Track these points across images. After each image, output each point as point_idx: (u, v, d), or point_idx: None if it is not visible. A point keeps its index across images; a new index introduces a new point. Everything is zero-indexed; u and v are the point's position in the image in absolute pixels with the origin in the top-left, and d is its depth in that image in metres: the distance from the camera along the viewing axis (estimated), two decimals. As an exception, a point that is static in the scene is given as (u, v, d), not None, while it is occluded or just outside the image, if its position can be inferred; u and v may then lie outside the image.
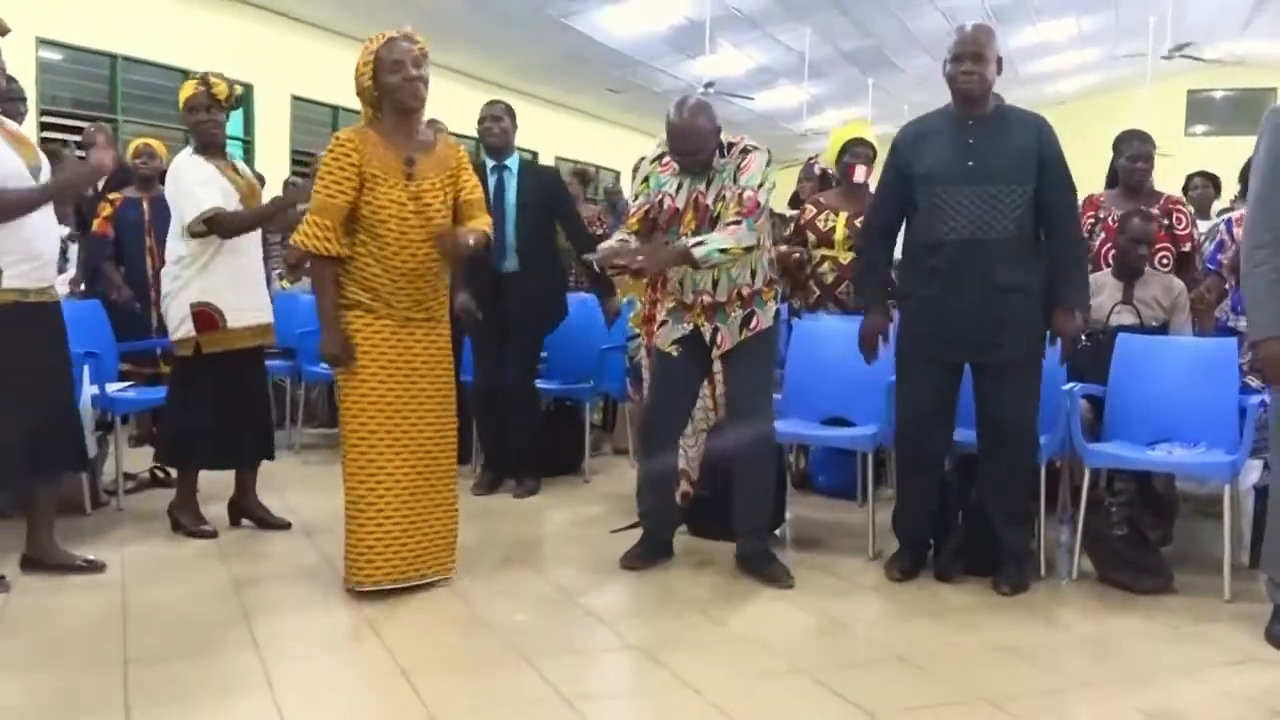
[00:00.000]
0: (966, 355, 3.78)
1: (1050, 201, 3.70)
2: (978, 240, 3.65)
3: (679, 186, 3.82)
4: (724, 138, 3.79)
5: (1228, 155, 9.38)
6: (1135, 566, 3.82)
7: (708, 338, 3.88)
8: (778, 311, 3.97)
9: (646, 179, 3.90)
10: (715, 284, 3.82)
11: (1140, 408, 4.14)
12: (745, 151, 3.77)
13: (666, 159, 3.86)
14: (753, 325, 3.86)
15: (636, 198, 3.92)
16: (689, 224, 3.79)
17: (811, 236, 5.16)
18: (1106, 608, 3.69)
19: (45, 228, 3.62)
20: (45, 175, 3.64)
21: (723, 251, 3.61)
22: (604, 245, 3.85)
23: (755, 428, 3.88)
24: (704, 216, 3.78)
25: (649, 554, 4.03)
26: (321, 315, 3.52)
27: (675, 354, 3.93)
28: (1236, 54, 20.92)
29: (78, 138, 9.51)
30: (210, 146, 4.21)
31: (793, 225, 5.33)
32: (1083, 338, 4.45)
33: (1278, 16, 18.51)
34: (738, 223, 3.65)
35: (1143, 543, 3.87)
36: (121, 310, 5.49)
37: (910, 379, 3.87)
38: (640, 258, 3.66)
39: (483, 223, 3.69)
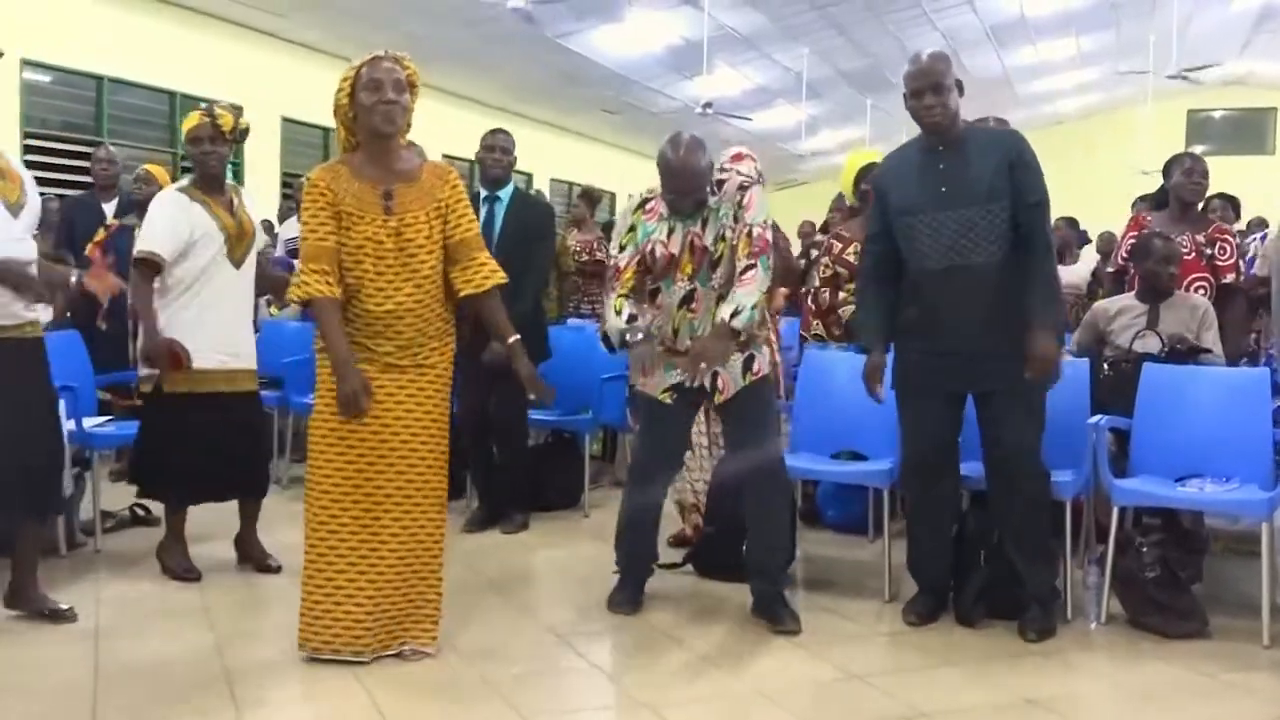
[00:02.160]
0: (964, 385, 3.63)
1: (1019, 218, 3.51)
2: (959, 267, 3.52)
3: (670, 231, 3.64)
4: (715, 171, 3.65)
5: (1228, 175, 9.28)
6: (1168, 610, 3.63)
7: (707, 383, 3.65)
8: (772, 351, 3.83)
9: (632, 228, 3.70)
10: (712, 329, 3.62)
11: (1168, 441, 3.95)
12: (744, 188, 3.61)
13: (651, 204, 3.69)
14: (755, 369, 3.67)
15: (622, 249, 3.70)
16: (685, 268, 3.63)
17: (844, 271, 4.96)
18: (1139, 654, 3.49)
19: None
20: (29, 212, 3.43)
21: (754, 308, 3.48)
22: (627, 339, 3.59)
23: (768, 472, 3.69)
24: (702, 259, 3.61)
25: (636, 594, 3.86)
26: (335, 361, 3.15)
27: (670, 401, 3.71)
28: (1236, 74, 20.90)
29: (62, 160, 9.41)
30: (209, 179, 4.05)
31: (823, 261, 5.12)
32: (1105, 367, 4.27)
33: (1276, 37, 18.46)
34: (753, 266, 3.50)
35: (1175, 584, 3.67)
36: (105, 339, 5.32)
37: (911, 415, 3.72)
38: (696, 367, 3.49)
39: (486, 267, 3.35)
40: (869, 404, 3.91)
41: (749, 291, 3.49)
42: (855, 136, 21.20)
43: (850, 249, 4.97)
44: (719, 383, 3.65)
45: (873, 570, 4.20)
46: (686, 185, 3.55)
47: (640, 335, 3.58)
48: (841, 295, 4.97)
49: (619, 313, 3.63)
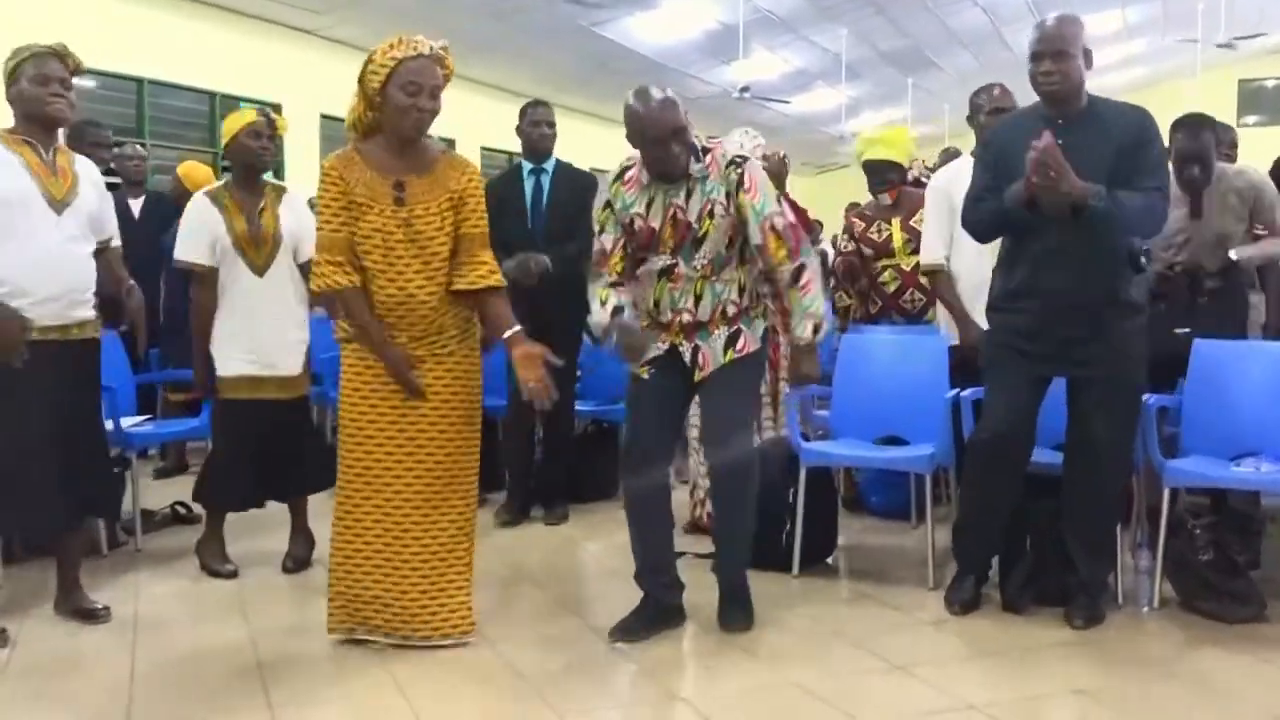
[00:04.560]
0: (1056, 369, 3.49)
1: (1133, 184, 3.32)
2: (1069, 249, 3.35)
3: (649, 203, 3.36)
4: (697, 140, 3.35)
5: (1282, 145, 9.00)
6: (1223, 594, 3.51)
7: (687, 358, 3.41)
8: (766, 330, 3.54)
9: (609, 204, 3.43)
10: (698, 300, 3.38)
11: (1221, 419, 3.81)
12: (735, 164, 3.32)
13: (629, 175, 3.40)
14: (740, 346, 3.40)
15: (602, 231, 3.45)
16: (667, 243, 3.35)
17: (868, 250, 4.87)
18: (1193, 641, 3.38)
19: (50, 265, 3.40)
20: (77, 211, 3.47)
21: (819, 308, 3.36)
22: (612, 331, 3.38)
23: (733, 462, 3.39)
24: (685, 234, 3.32)
25: (647, 622, 3.43)
26: (375, 345, 3.21)
27: (647, 376, 3.43)
28: (1288, 41, 20.36)
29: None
30: (254, 177, 4.07)
31: (847, 237, 5.05)
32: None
33: (1330, 1, 17.96)
34: (802, 266, 3.32)
35: (1231, 568, 3.55)
36: (170, 335, 5.40)
37: (997, 389, 3.57)
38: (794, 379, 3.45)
39: (484, 266, 3.27)
40: (910, 388, 3.85)
41: (814, 295, 3.34)
42: (897, 117, 20.92)
43: (872, 228, 4.88)
44: (700, 358, 3.41)
45: (916, 557, 4.12)
46: (659, 132, 3.22)
47: (629, 324, 3.37)
48: (879, 267, 4.88)
49: (604, 303, 3.41)
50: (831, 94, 18.49)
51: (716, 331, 3.41)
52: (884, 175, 4.91)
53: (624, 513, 3.50)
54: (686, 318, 3.40)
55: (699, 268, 3.37)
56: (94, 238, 3.58)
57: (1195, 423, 3.86)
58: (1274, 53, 20.86)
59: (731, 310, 3.41)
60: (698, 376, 3.43)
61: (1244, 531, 3.82)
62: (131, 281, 3.76)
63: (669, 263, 3.37)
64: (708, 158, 3.35)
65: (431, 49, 3.20)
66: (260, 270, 4.01)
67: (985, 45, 17.33)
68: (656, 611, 3.46)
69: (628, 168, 3.42)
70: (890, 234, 4.83)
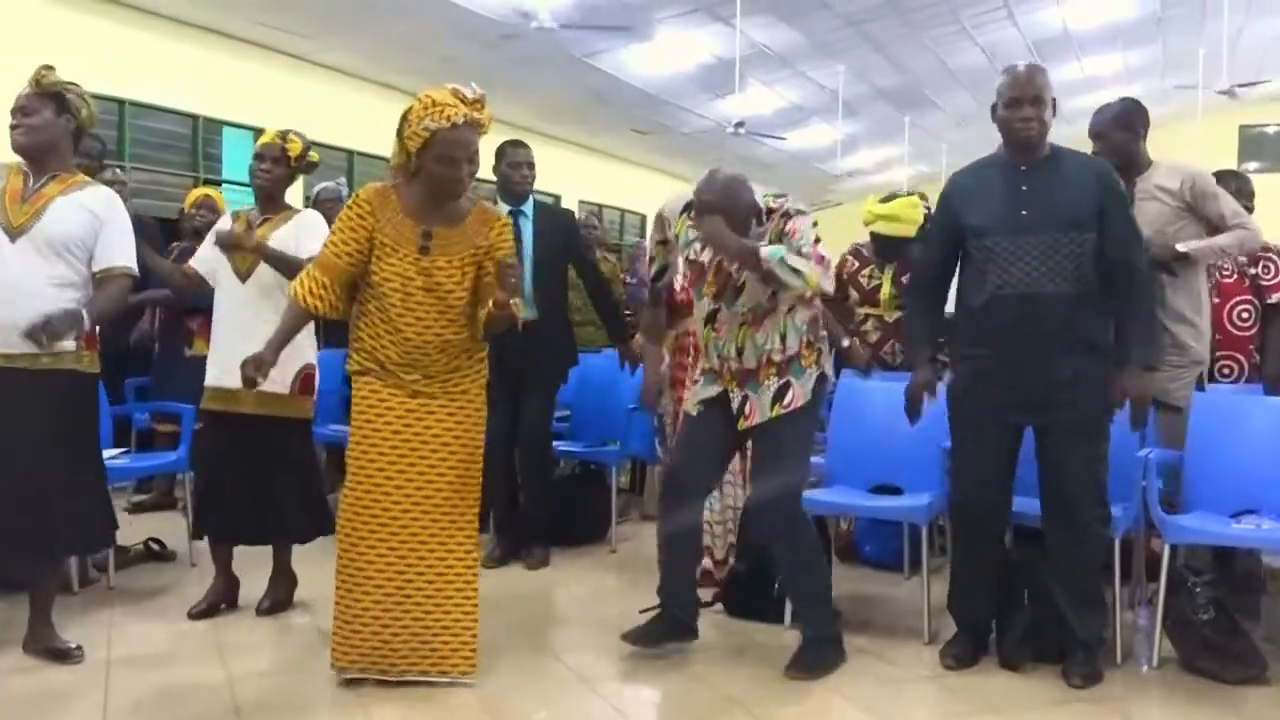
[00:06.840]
0: (1025, 417, 3.43)
1: (1112, 254, 3.36)
2: (1035, 294, 3.34)
3: (706, 246, 3.47)
4: (763, 201, 3.45)
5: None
6: (1224, 654, 3.42)
7: (735, 405, 3.48)
8: (822, 378, 3.53)
9: (664, 241, 3.56)
10: (740, 351, 3.45)
11: (1222, 475, 3.74)
12: (788, 216, 3.41)
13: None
14: (787, 401, 3.43)
15: (652, 261, 3.59)
16: (711, 286, 3.47)
17: (854, 293, 4.80)
18: (1193, 702, 3.29)
19: (4, 293, 3.33)
20: (34, 236, 3.36)
21: (793, 271, 3.22)
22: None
23: (785, 517, 3.47)
24: (725, 282, 3.43)
25: (661, 632, 3.60)
26: (270, 342, 3.26)
27: (696, 413, 3.56)
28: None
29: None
30: (258, 196, 4.09)
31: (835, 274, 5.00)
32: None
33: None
34: (821, 264, 3.31)
35: (1232, 627, 3.47)
36: (161, 364, 5.33)
37: (966, 444, 3.54)
38: (707, 229, 3.33)
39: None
40: (906, 436, 3.76)
41: (802, 261, 3.25)
42: (893, 155, 20.98)
43: (864, 271, 4.81)
44: (746, 406, 3.47)
45: (911, 609, 4.03)
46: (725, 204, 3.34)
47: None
48: (861, 315, 4.80)
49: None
50: (827, 130, 18.50)
51: (767, 382, 3.46)
52: (894, 249, 4.84)
53: (655, 541, 3.71)
54: (733, 364, 3.48)
55: (740, 313, 3.44)
56: (69, 263, 3.45)
57: (1196, 478, 3.78)
58: (1275, 100, 20.93)
59: (778, 358, 3.45)
60: (742, 425, 3.49)
61: (1243, 589, 3.74)
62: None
63: (713, 308, 3.48)
64: (770, 220, 3.42)
65: (465, 116, 3.15)
66: (243, 276, 3.95)
67: (983, 86, 17.28)
68: (671, 624, 3.61)
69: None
70: (880, 284, 4.77)
